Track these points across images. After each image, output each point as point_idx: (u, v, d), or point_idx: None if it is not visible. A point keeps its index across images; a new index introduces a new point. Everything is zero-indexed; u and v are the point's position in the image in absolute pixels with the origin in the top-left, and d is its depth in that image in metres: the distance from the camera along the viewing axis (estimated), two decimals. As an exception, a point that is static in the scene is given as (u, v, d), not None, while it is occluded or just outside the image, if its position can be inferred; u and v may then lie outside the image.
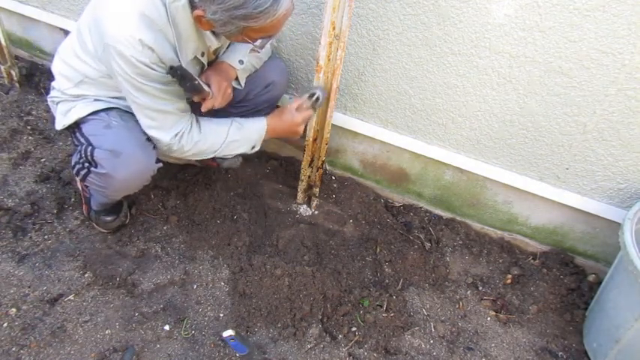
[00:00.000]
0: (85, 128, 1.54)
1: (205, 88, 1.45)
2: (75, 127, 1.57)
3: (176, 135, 1.52)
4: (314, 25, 1.87)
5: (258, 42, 1.39)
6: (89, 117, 1.54)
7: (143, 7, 1.30)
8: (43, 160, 2.10)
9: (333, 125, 1.91)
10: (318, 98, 1.65)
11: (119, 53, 1.31)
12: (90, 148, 1.49)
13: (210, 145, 1.59)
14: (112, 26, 1.30)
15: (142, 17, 1.30)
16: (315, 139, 1.87)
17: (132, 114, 1.56)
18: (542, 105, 1.69)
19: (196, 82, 1.40)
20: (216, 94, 1.51)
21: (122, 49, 1.30)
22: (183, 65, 1.43)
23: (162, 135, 1.50)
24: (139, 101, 1.43)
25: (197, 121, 1.59)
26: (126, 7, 1.30)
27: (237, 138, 1.62)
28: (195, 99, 1.50)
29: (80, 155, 1.53)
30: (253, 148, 1.68)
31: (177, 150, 1.56)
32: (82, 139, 1.54)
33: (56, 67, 1.59)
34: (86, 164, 1.53)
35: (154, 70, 1.36)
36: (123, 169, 1.48)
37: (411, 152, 2.02)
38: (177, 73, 1.36)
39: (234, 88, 1.67)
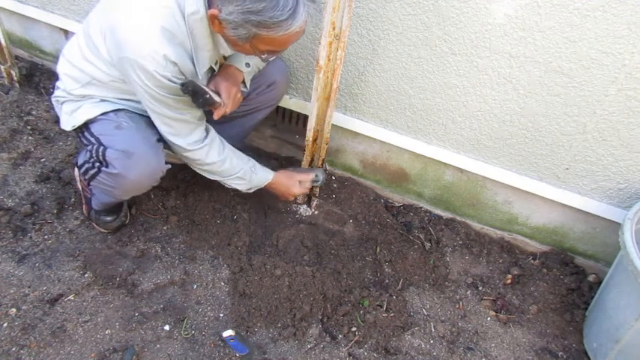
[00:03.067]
0: (95, 128, 1.55)
1: (216, 99, 1.47)
2: (83, 126, 1.58)
3: (195, 142, 1.56)
4: (314, 25, 1.87)
5: (264, 56, 1.39)
6: (98, 117, 1.55)
7: (164, 20, 1.30)
8: (43, 160, 2.10)
9: (333, 125, 1.91)
10: (317, 180, 1.89)
11: (141, 67, 1.32)
12: (102, 148, 1.50)
13: (223, 170, 1.67)
14: (134, 40, 1.30)
15: (163, 31, 1.30)
16: (315, 139, 1.87)
17: (140, 115, 1.57)
18: (542, 105, 1.69)
19: (208, 96, 1.42)
20: (227, 102, 1.53)
21: (145, 63, 1.31)
22: (200, 76, 1.45)
23: (180, 141, 1.55)
24: (157, 110, 1.46)
25: (221, 141, 1.66)
26: (146, 20, 1.30)
27: (245, 177, 1.73)
28: (207, 108, 1.51)
29: (90, 155, 1.53)
30: (249, 189, 1.80)
31: (195, 159, 1.61)
32: (92, 139, 1.54)
33: (62, 68, 1.59)
34: (97, 164, 1.53)
35: (174, 82, 1.37)
36: (135, 169, 1.49)
37: (411, 152, 2.02)
38: (188, 90, 1.38)
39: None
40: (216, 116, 1.52)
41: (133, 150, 1.48)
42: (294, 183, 1.84)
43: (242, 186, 1.76)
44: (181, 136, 1.54)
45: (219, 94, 1.50)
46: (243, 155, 1.74)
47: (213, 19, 1.31)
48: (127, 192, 1.64)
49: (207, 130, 1.61)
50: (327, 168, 2.22)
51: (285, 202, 2.08)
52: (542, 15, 1.53)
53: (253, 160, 1.77)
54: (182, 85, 1.37)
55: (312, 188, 1.97)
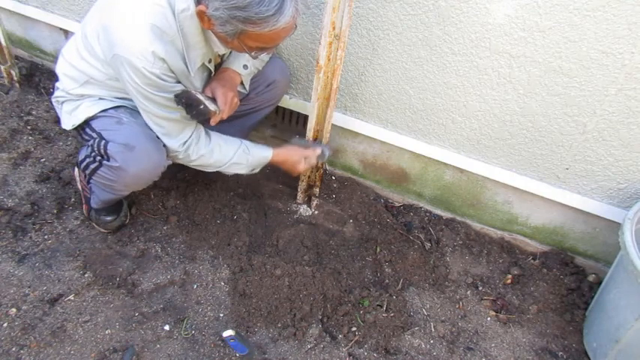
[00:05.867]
0: (95, 124, 1.56)
1: (211, 108, 1.45)
2: (84, 124, 1.58)
3: (184, 143, 1.56)
4: (314, 25, 1.87)
5: (254, 53, 1.39)
6: (98, 114, 1.56)
7: (154, 18, 1.31)
8: (43, 160, 2.11)
9: (333, 125, 1.91)
10: (324, 155, 1.83)
11: (130, 64, 1.33)
12: (103, 142, 1.51)
13: (214, 162, 1.64)
14: (124, 38, 1.31)
15: (153, 29, 1.31)
16: (315, 139, 1.87)
17: (139, 112, 1.58)
18: (542, 105, 1.69)
19: (202, 107, 1.41)
20: (223, 108, 1.52)
21: (134, 61, 1.31)
22: (192, 74, 1.44)
23: (171, 142, 1.55)
24: (147, 109, 1.46)
25: (207, 134, 1.62)
26: (138, 18, 1.31)
27: (241, 161, 1.68)
28: (201, 118, 1.51)
29: (92, 149, 1.54)
30: (252, 170, 1.75)
31: (182, 158, 1.60)
32: (94, 134, 1.55)
33: (61, 68, 1.60)
34: (98, 158, 1.54)
35: (164, 80, 1.38)
36: (136, 162, 1.50)
37: (411, 152, 2.02)
38: (182, 102, 1.37)
39: (238, 92, 1.68)
40: (213, 122, 1.52)
41: (134, 143, 1.48)
42: (299, 159, 1.78)
43: (242, 170, 1.72)
44: (172, 136, 1.54)
45: (215, 100, 1.49)
46: (233, 139, 1.68)
47: (201, 16, 1.31)
48: (127, 186, 1.64)
49: (195, 128, 1.60)
50: (328, 168, 2.22)
51: (286, 200, 2.08)
52: (542, 15, 1.53)
53: (246, 141, 1.71)
54: (175, 96, 1.37)
55: (315, 170, 1.93)
